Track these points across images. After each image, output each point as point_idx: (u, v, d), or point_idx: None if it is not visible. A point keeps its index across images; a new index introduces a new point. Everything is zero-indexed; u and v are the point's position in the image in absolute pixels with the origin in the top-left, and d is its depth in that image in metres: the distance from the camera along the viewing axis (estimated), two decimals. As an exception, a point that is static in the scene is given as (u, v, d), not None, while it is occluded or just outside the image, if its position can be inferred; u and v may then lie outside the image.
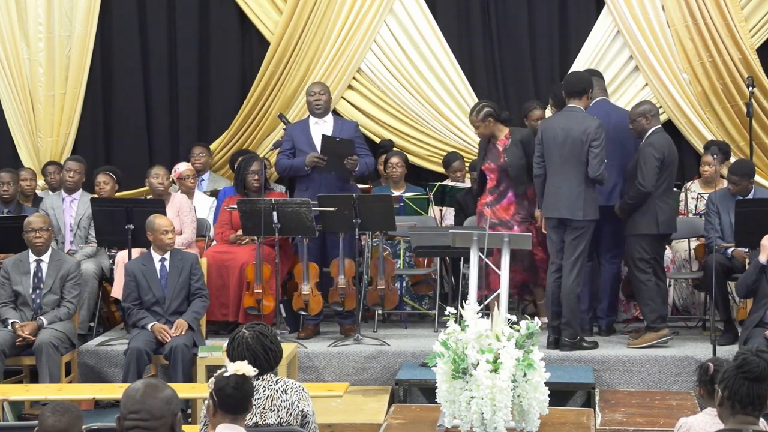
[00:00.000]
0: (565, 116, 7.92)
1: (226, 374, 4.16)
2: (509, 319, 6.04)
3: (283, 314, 8.61)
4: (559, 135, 7.78)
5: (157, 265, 7.75)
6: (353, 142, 8.49)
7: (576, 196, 7.72)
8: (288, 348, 6.99)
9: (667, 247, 8.95)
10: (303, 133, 8.61)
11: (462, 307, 5.98)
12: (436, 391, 6.01)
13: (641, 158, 7.88)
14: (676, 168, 8.11)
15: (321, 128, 8.62)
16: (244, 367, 4.15)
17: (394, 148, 10.04)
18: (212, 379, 4.28)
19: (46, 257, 7.85)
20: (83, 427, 4.03)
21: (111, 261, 8.86)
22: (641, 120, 7.96)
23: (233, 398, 4.13)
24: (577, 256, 7.77)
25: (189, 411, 7.37)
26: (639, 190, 7.83)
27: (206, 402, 4.25)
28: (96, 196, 9.20)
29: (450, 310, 5.96)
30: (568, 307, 7.79)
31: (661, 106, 9.93)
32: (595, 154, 7.67)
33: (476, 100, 10.13)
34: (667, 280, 8.53)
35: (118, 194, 9.45)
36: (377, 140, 10.26)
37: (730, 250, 8.12)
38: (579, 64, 9.96)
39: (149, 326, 7.56)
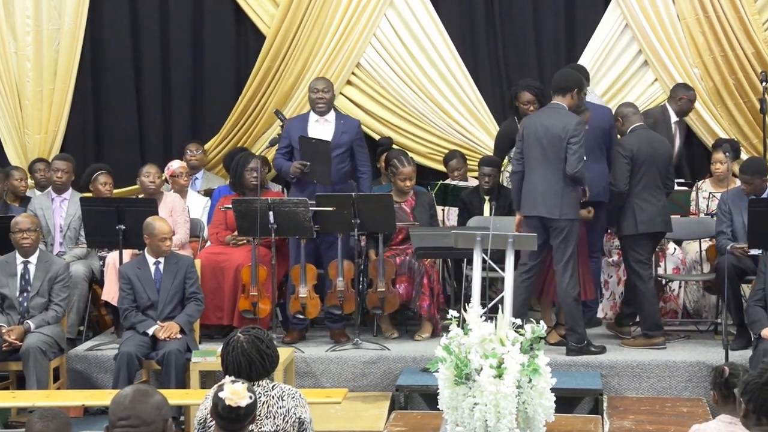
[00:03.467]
0: (547, 113, 7.94)
1: (220, 393, 4.14)
2: (514, 323, 6.02)
3: (280, 318, 8.59)
4: (539, 131, 7.79)
5: (152, 269, 7.74)
6: (330, 144, 8.42)
7: (554, 194, 7.71)
8: (284, 353, 6.97)
9: (677, 247, 8.94)
10: (300, 130, 8.56)
11: (465, 310, 5.96)
12: (438, 397, 5.98)
13: (614, 159, 8.03)
14: (658, 166, 8.04)
15: (321, 126, 8.57)
16: (238, 396, 4.11)
17: (394, 146, 10.01)
18: (215, 387, 4.28)
19: (33, 258, 7.83)
20: (72, 434, 4.02)
21: (101, 263, 8.83)
22: (617, 123, 8.19)
23: (222, 420, 4.14)
24: (568, 259, 7.76)
25: (182, 418, 7.36)
26: (611, 190, 7.99)
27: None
28: (89, 195, 9.18)
29: (452, 313, 5.94)
30: (569, 313, 7.81)
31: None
32: (574, 151, 7.65)
33: (479, 97, 10.14)
34: (678, 282, 8.53)
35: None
36: (377, 137, 10.25)
37: (752, 251, 8.04)
38: (586, 59, 9.95)
39: (150, 331, 7.54)
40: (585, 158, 7.72)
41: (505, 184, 9.10)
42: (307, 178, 8.43)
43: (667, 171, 8.15)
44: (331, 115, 8.64)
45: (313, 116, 8.61)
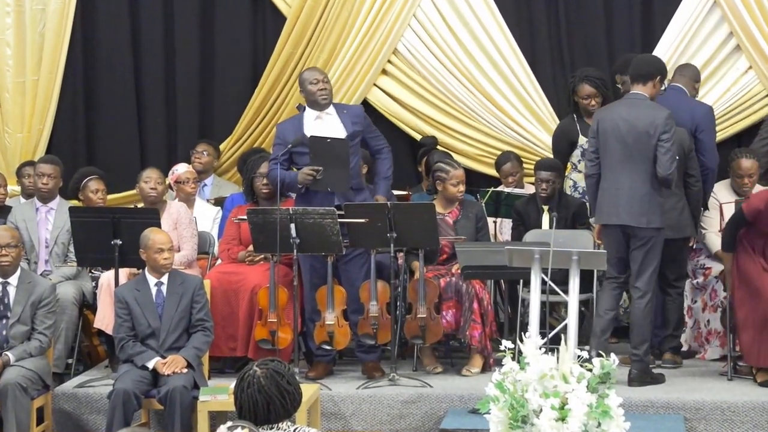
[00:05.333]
0: (627, 105, 8.02)
1: None
2: (580, 356, 5.98)
3: (303, 349, 8.59)
4: (620, 127, 7.87)
5: (153, 291, 7.76)
6: (348, 142, 8.41)
7: (640, 198, 7.82)
8: (308, 390, 6.97)
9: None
10: (298, 132, 8.50)
11: (521, 340, 5.93)
12: (490, 443, 5.96)
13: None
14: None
15: (324, 123, 8.49)
16: None
17: (439, 147, 10.00)
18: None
19: (13, 279, 7.86)
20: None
21: (94, 284, 8.87)
22: None
23: None
24: (650, 275, 7.89)
25: (187, 466, 7.38)
26: None
27: None
28: (79, 204, 9.22)
29: (506, 344, 5.92)
30: (642, 336, 7.90)
31: (768, 95, 9.92)
32: (666, 149, 7.77)
33: (538, 89, 10.12)
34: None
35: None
36: (417, 137, 10.24)
37: None
38: (666, 43, 9.93)
39: (150, 364, 7.56)
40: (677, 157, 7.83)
41: (568, 192, 9.06)
42: (319, 186, 8.39)
43: (685, 167, 8.24)
44: (330, 107, 8.60)
45: (310, 113, 8.55)
